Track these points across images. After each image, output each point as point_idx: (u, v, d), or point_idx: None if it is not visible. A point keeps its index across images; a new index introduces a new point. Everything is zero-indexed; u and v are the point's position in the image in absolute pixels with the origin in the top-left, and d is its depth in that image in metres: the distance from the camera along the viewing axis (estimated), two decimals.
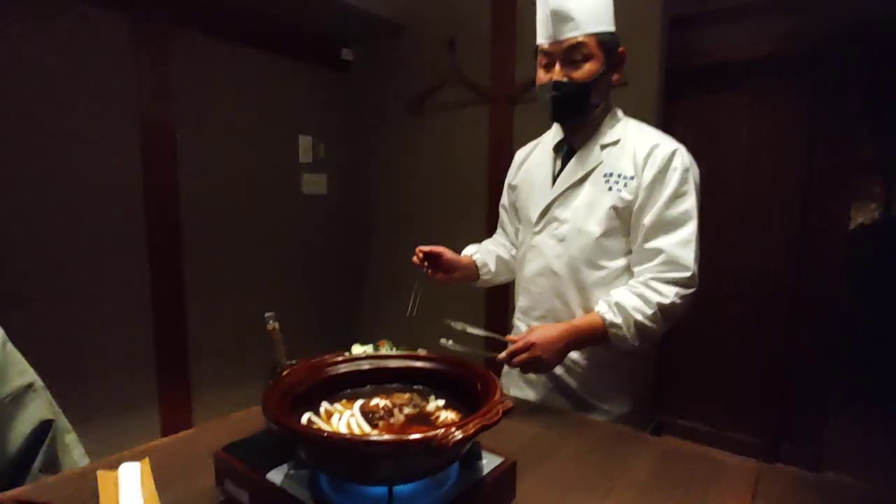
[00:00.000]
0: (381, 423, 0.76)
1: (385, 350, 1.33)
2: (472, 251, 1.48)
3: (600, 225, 1.22)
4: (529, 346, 1.14)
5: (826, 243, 2.46)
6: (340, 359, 0.90)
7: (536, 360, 1.13)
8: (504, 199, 1.53)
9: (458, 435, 0.60)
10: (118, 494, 0.84)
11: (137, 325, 2.09)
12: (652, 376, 1.32)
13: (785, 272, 2.56)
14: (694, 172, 1.19)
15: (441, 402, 0.83)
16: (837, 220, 2.45)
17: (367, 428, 0.74)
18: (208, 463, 0.93)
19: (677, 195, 1.16)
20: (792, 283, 2.54)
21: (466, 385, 0.83)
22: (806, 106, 2.49)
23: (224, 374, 2.32)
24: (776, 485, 0.95)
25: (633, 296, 1.16)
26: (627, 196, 1.19)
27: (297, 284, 2.72)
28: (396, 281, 2.82)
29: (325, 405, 0.82)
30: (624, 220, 1.21)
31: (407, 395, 0.86)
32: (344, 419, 0.77)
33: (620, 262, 1.24)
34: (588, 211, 1.24)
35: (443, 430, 0.61)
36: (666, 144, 1.19)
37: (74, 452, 1.01)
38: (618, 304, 1.15)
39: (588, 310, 1.24)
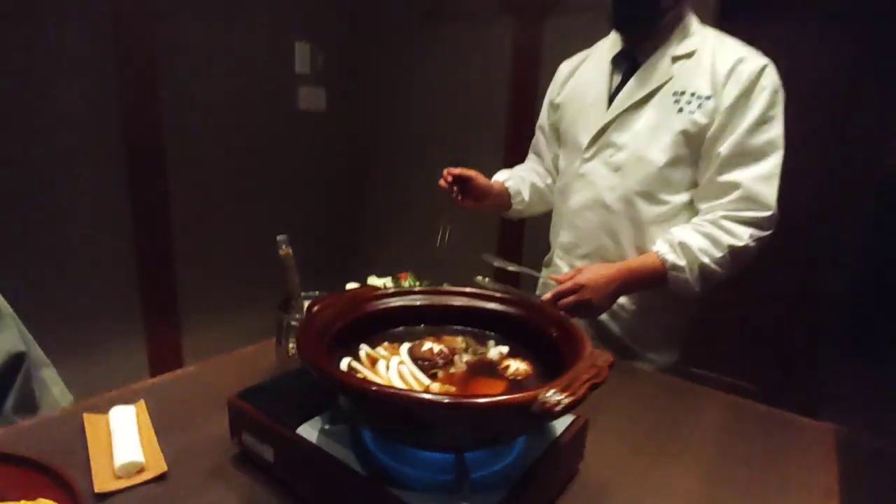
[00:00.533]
0: (440, 374, 0.62)
1: (409, 285, 1.18)
2: (503, 177, 1.31)
3: (665, 153, 1.06)
4: (578, 288, 1.00)
5: (855, 196, 2.35)
6: (379, 293, 0.74)
7: (585, 305, 1.00)
8: (543, 120, 1.34)
9: (566, 400, 0.46)
10: (111, 441, 0.70)
11: (117, 250, 1.89)
12: (697, 323, 1.20)
13: (808, 219, 2.45)
14: (782, 94, 1.02)
15: (504, 349, 0.69)
16: (870, 173, 2.33)
17: (424, 379, 0.60)
18: (215, 407, 0.80)
19: (763, 120, 0.99)
20: (814, 231, 2.45)
21: (535, 330, 0.69)
22: (853, 46, 2.28)
23: (215, 304, 2.16)
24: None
25: (700, 236, 1.01)
26: (702, 119, 1.02)
27: (294, 210, 2.51)
28: (409, 209, 2.63)
29: (364, 349, 0.67)
30: (693, 147, 1.04)
31: (460, 339, 0.72)
32: (393, 367, 0.62)
33: (683, 197, 1.08)
34: (651, 136, 1.07)
35: (545, 390, 0.47)
36: (753, 59, 1.01)
37: (54, 390, 0.86)
38: (682, 245, 1.01)
39: (642, 249, 1.10)
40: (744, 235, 0.99)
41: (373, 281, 1.26)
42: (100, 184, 1.83)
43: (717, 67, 1.02)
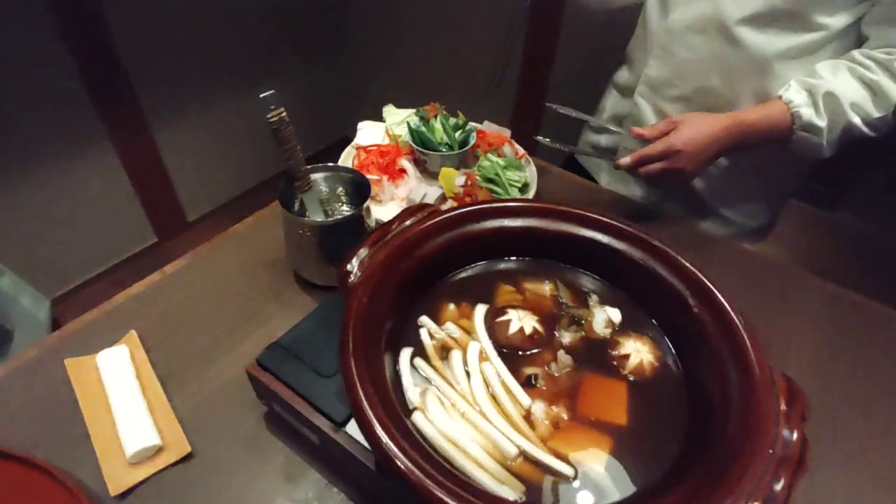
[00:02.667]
0: (540, 380, 0.45)
1: (440, 119, 0.90)
2: None
3: None
4: (671, 154, 0.75)
5: None
6: (426, 224, 0.51)
7: (676, 173, 0.77)
8: None
9: None
10: (109, 406, 0.56)
11: (49, 59, 1.42)
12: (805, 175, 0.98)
13: None
14: None
15: (615, 315, 0.51)
16: None
17: (522, 397, 0.44)
18: (225, 335, 0.66)
19: None
20: None
21: (661, 286, 0.49)
22: None
23: (180, 95, 1.78)
24: (791, 222, 0.78)
25: (859, 83, 0.72)
26: None
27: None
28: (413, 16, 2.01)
29: (427, 325, 0.48)
30: None
31: (548, 288, 0.53)
32: (475, 371, 0.45)
33: (842, 19, 0.73)
34: None
35: None
36: None
37: (23, 301, 0.68)
38: (828, 96, 0.72)
39: (764, 95, 0.80)
40: None
41: (389, 112, 0.98)
42: None
43: None
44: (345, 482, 0.53)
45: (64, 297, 1.68)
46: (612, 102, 0.98)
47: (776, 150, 0.81)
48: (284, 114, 0.64)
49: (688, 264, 0.48)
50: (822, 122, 0.74)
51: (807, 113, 0.74)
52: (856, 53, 0.74)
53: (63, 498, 0.49)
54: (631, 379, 0.46)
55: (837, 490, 0.56)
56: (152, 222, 1.85)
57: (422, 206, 0.53)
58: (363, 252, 0.47)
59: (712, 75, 0.82)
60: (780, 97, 0.76)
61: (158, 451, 0.54)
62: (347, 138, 0.93)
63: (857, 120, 0.73)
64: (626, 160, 0.78)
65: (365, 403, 0.36)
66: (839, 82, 0.72)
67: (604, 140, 1.01)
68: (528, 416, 0.43)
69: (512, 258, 0.56)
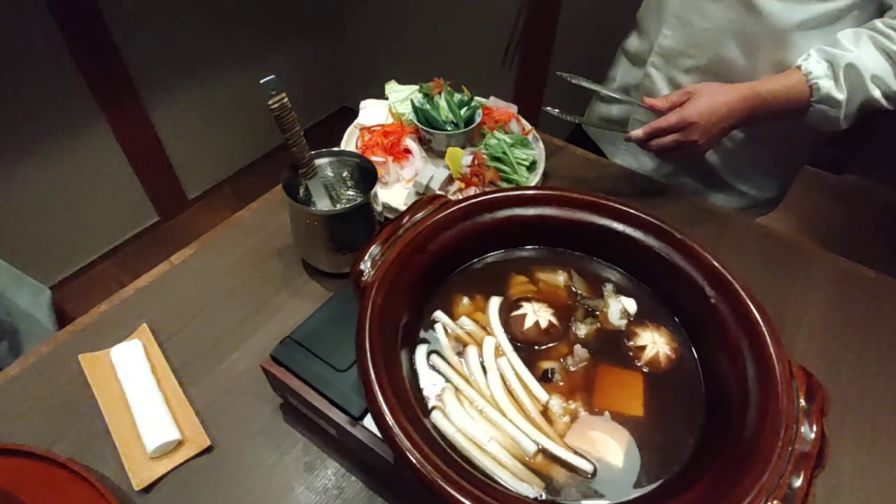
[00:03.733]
0: (557, 374, 0.45)
1: (444, 95, 0.88)
2: None
3: None
4: (684, 126, 0.73)
5: None
6: (438, 217, 0.50)
7: (689, 146, 0.75)
8: None
9: None
10: (126, 400, 0.57)
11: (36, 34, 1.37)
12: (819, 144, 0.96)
13: None
14: None
15: (631, 306, 0.50)
16: None
17: (540, 393, 0.44)
18: (235, 324, 0.67)
19: None
20: None
21: (676, 275, 0.49)
22: None
23: (175, 68, 1.73)
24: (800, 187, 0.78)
25: (881, 54, 0.69)
26: None
27: None
28: None
29: (442, 320, 0.48)
30: None
31: (562, 278, 0.53)
32: (492, 368, 0.45)
33: None
34: None
35: None
36: None
37: (19, 300, 0.68)
38: (850, 67, 0.70)
39: (782, 65, 0.77)
40: None
41: (392, 89, 0.95)
42: None
43: None
44: (363, 471, 0.54)
45: (67, 281, 1.68)
46: (622, 72, 0.95)
47: (792, 121, 0.79)
48: (286, 99, 0.62)
49: (705, 253, 0.47)
50: (841, 95, 0.71)
51: (826, 85, 0.71)
52: (878, 23, 0.70)
53: (87, 494, 0.49)
54: (646, 371, 0.46)
55: (845, 471, 0.56)
56: (153, 201, 1.83)
57: (433, 198, 0.52)
58: (375, 249, 0.46)
59: (730, 45, 0.78)
60: (798, 67, 0.73)
61: (178, 444, 0.54)
62: (347, 108, 0.90)
63: (877, 93, 0.70)
64: (637, 133, 0.76)
65: (385, 408, 0.36)
66: (861, 53, 0.69)
67: (615, 110, 0.98)
68: (545, 412, 0.43)
69: (524, 247, 0.55)
